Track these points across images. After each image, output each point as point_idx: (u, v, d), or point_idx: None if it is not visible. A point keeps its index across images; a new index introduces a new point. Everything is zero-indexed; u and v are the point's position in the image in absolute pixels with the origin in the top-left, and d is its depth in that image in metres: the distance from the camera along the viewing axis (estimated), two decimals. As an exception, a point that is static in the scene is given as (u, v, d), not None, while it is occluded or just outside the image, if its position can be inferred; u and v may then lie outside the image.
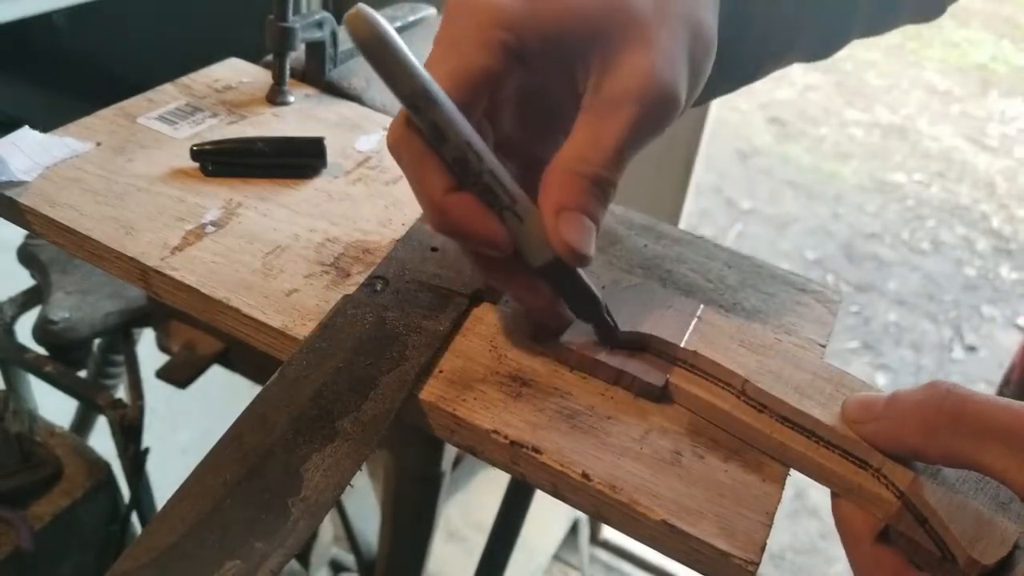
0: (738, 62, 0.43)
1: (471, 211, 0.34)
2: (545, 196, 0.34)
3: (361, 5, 0.30)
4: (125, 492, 0.76)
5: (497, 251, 0.34)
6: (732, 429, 0.36)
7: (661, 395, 0.37)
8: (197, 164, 0.49)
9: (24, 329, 0.77)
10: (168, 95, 0.56)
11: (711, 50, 0.36)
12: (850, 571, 0.34)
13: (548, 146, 0.36)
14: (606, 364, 0.38)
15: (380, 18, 0.30)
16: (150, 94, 0.55)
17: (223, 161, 0.49)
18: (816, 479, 0.34)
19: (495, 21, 0.33)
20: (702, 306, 0.40)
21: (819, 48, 0.48)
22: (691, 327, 0.39)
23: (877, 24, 0.48)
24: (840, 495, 0.33)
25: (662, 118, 0.35)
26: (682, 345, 0.38)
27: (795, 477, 0.35)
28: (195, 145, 0.49)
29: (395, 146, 0.34)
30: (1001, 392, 0.50)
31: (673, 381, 0.37)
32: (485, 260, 0.37)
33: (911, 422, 0.31)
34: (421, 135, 0.33)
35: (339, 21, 0.58)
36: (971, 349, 2.61)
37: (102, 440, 0.77)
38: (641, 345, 0.39)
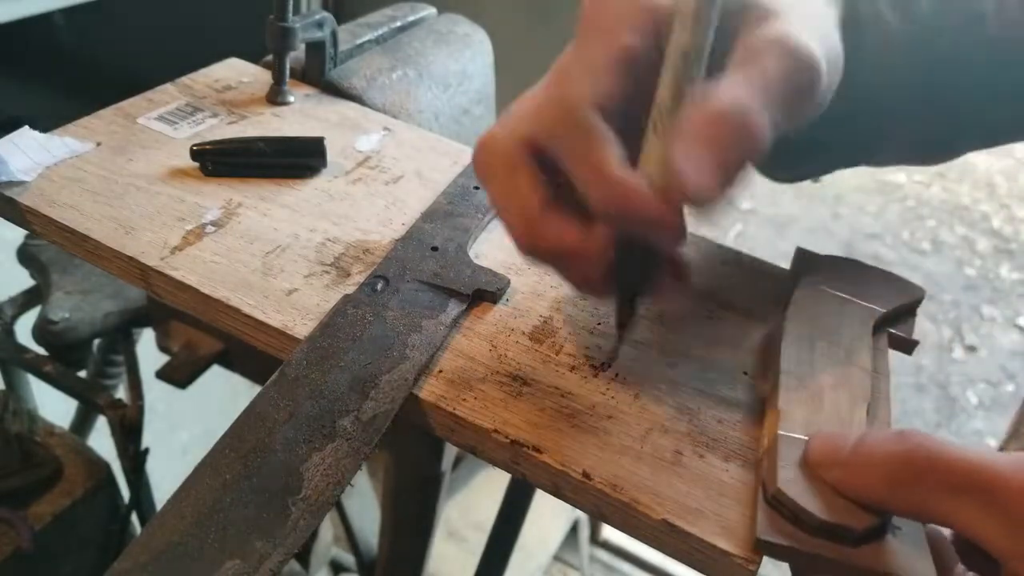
0: (855, 129, 0.41)
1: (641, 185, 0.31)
2: (675, 134, 0.31)
3: None
4: (125, 492, 0.76)
5: (668, 235, 0.32)
6: None
7: None
8: (197, 164, 0.49)
9: (24, 329, 0.77)
10: (168, 95, 0.56)
11: (838, 56, 0.35)
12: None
13: None
14: None
15: None
16: (150, 94, 0.55)
17: (223, 161, 0.48)
18: None
19: (640, 5, 0.33)
20: None
21: (923, 148, 0.46)
22: None
23: (1004, 135, 0.46)
24: None
25: (802, 78, 0.32)
26: None
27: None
28: (195, 145, 0.49)
29: (564, 122, 0.32)
30: None
31: None
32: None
33: (877, 473, 0.29)
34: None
35: (339, 21, 0.58)
36: (971, 349, 2.61)
37: (102, 440, 0.77)
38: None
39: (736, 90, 0.31)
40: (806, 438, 0.33)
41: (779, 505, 0.31)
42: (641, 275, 0.36)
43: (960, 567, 0.34)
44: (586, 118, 0.32)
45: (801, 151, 0.43)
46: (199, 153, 0.48)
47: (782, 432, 0.33)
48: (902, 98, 0.43)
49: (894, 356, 0.41)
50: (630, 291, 0.37)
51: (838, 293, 0.41)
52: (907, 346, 0.42)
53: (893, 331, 0.41)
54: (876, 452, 0.30)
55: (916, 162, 0.49)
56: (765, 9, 0.34)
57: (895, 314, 0.42)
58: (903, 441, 0.29)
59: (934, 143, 0.47)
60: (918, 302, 0.43)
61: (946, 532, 0.34)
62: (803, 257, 0.45)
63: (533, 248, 0.34)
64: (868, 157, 0.47)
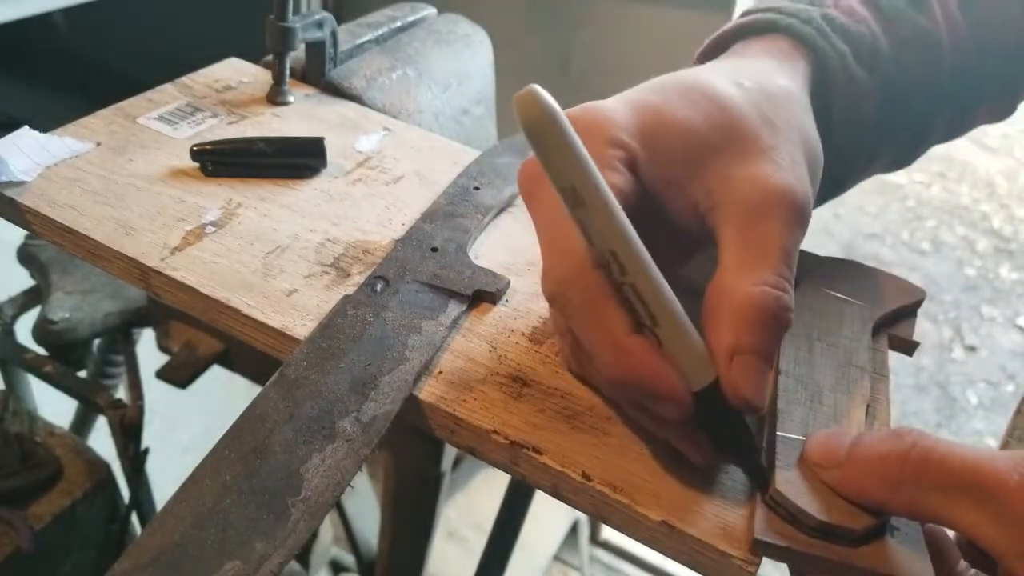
0: (824, 173, 0.40)
1: (654, 357, 0.30)
2: (714, 332, 0.31)
3: (533, 86, 0.28)
4: (125, 492, 0.76)
5: (674, 408, 0.31)
6: None
7: None
8: (197, 164, 0.49)
9: (24, 329, 0.77)
10: (168, 95, 0.56)
11: (820, 158, 0.36)
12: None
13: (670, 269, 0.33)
14: None
15: (551, 100, 0.28)
16: (150, 94, 0.55)
17: (223, 161, 0.48)
18: None
19: (607, 139, 0.33)
20: None
21: (901, 155, 0.48)
22: None
23: (953, 130, 0.48)
24: None
25: (804, 227, 0.33)
26: None
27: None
28: (195, 145, 0.49)
29: (573, 283, 0.31)
30: None
31: None
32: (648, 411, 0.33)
33: (874, 474, 0.29)
34: (604, 272, 0.30)
35: (339, 21, 0.58)
36: (971, 349, 2.61)
37: (102, 440, 0.77)
38: None
39: (761, 275, 0.31)
40: (804, 439, 0.33)
41: (777, 506, 0.31)
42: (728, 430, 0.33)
43: (963, 564, 0.34)
44: (595, 277, 0.31)
45: None
46: (199, 153, 0.48)
47: (780, 433, 0.33)
48: (871, 136, 0.44)
49: (894, 356, 0.41)
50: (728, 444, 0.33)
51: (838, 294, 0.41)
52: (907, 347, 0.42)
53: (893, 332, 0.41)
54: (872, 452, 0.30)
55: (897, 168, 0.50)
56: (753, 140, 0.34)
57: (895, 315, 0.42)
58: (899, 440, 0.29)
59: (911, 149, 0.48)
60: (918, 303, 0.43)
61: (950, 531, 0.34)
62: (803, 258, 0.45)
63: (620, 373, 0.31)
64: (843, 188, 0.48)
